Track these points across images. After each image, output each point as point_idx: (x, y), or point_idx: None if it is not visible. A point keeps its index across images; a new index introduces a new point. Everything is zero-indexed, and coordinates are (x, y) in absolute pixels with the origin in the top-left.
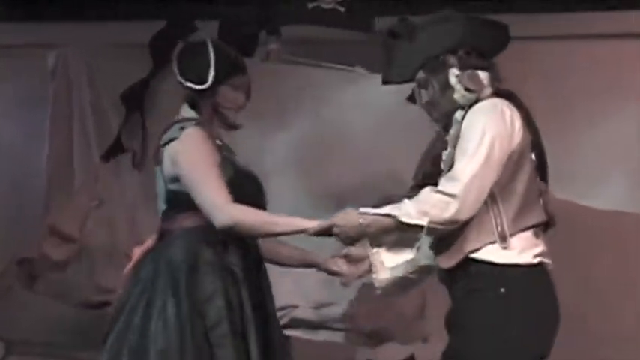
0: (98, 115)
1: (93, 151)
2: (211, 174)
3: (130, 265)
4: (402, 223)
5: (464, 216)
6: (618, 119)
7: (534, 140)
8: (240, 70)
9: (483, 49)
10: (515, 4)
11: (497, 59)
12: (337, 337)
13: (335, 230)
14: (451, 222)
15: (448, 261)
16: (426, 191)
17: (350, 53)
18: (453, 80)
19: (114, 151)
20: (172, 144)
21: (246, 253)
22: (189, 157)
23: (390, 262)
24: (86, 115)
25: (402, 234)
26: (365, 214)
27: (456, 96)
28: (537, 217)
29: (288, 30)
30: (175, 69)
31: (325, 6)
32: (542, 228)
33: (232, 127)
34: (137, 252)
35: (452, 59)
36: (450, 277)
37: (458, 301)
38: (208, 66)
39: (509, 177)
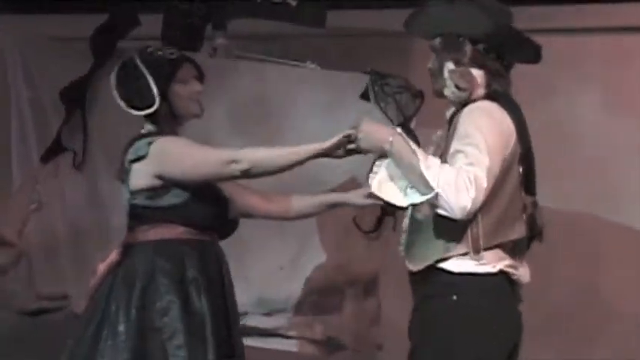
0: (37, 114)
1: (32, 152)
2: (199, 147)
3: (94, 281)
4: (422, 174)
5: (475, 208)
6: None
7: (524, 151)
8: (179, 62)
9: (506, 56)
10: None
11: None
12: (290, 345)
13: (359, 135)
14: (461, 210)
15: (416, 265)
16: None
17: (301, 48)
18: (445, 74)
19: (54, 151)
20: (144, 161)
21: (207, 263)
22: (172, 154)
23: (384, 185)
24: (24, 113)
25: (409, 179)
26: (400, 134)
27: (447, 92)
28: (517, 232)
29: (236, 24)
30: (120, 101)
31: None
32: (527, 242)
33: (197, 115)
34: (101, 268)
35: (468, 47)
36: (413, 283)
37: (416, 308)
38: (148, 84)
39: (493, 187)
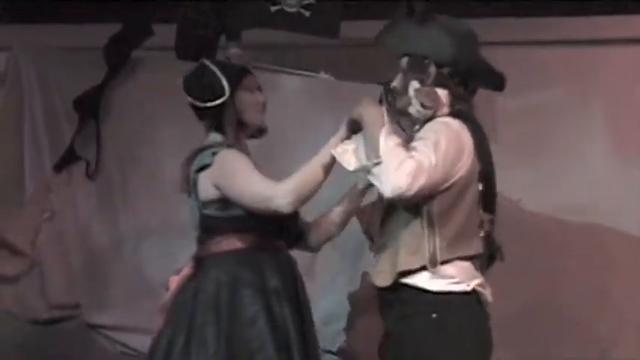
0: (50, 123)
1: (45, 160)
2: (253, 173)
3: (168, 295)
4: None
5: (407, 194)
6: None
7: (484, 169)
8: (245, 71)
9: (469, 82)
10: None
11: None
12: None
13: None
14: (393, 187)
15: (383, 280)
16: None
17: (314, 59)
18: (411, 92)
19: (67, 160)
20: (208, 170)
21: (283, 272)
22: (228, 170)
23: (346, 152)
24: (38, 122)
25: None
26: (383, 109)
27: (412, 110)
28: (474, 248)
29: (250, 34)
30: (190, 99)
31: (289, 9)
32: (487, 262)
33: (261, 130)
34: (174, 280)
35: (432, 69)
36: (385, 303)
37: (390, 329)
38: (219, 79)
39: (451, 203)
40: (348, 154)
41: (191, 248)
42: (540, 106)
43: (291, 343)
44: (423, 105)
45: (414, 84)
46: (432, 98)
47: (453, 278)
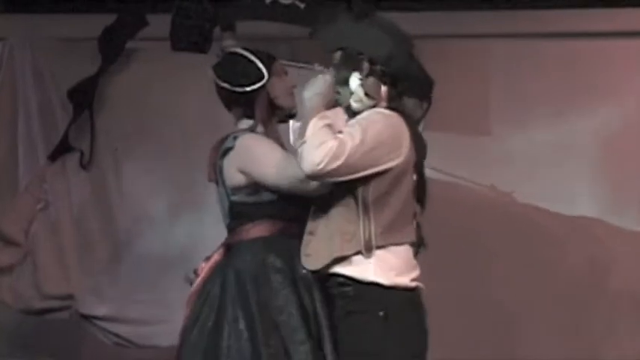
0: (45, 113)
1: (39, 151)
2: (282, 153)
3: (198, 281)
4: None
5: (326, 171)
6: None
7: (419, 162)
8: (272, 57)
9: (399, 84)
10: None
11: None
12: None
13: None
14: (309, 164)
15: (314, 263)
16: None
17: (309, 51)
18: (353, 84)
19: (61, 150)
20: (230, 154)
21: None
22: (253, 153)
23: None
24: (32, 112)
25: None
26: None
27: (354, 99)
28: (408, 235)
29: (244, 26)
30: (226, 85)
31: (284, 1)
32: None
33: (291, 115)
34: (204, 267)
35: (366, 65)
36: (328, 296)
37: (335, 323)
38: (255, 64)
39: (387, 189)
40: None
41: (185, 239)
42: (535, 98)
43: (323, 334)
44: (367, 94)
45: (356, 75)
46: (376, 90)
47: (394, 270)
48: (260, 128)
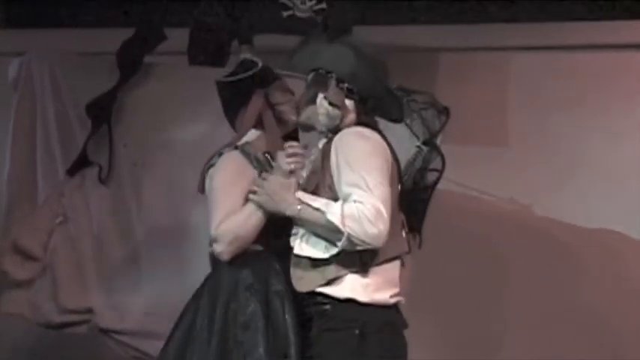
0: (63, 127)
1: (57, 165)
2: (227, 196)
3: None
4: (329, 221)
5: (386, 232)
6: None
7: (399, 172)
8: (277, 75)
9: (368, 102)
10: (493, 13)
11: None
12: None
13: (262, 195)
14: (374, 239)
15: (308, 285)
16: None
17: None
18: (319, 99)
19: (79, 164)
20: (210, 171)
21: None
22: (215, 180)
23: (305, 244)
24: (50, 127)
25: (321, 234)
26: (300, 199)
27: (320, 113)
28: (400, 247)
29: (262, 39)
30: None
31: (301, 14)
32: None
33: (295, 122)
34: None
35: (332, 83)
36: (304, 315)
37: (311, 341)
38: (252, 59)
39: None
40: (309, 246)
41: (205, 253)
42: (553, 110)
43: (291, 352)
44: (331, 103)
45: (321, 95)
46: (339, 98)
47: (372, 285)
48: (258, 139)
